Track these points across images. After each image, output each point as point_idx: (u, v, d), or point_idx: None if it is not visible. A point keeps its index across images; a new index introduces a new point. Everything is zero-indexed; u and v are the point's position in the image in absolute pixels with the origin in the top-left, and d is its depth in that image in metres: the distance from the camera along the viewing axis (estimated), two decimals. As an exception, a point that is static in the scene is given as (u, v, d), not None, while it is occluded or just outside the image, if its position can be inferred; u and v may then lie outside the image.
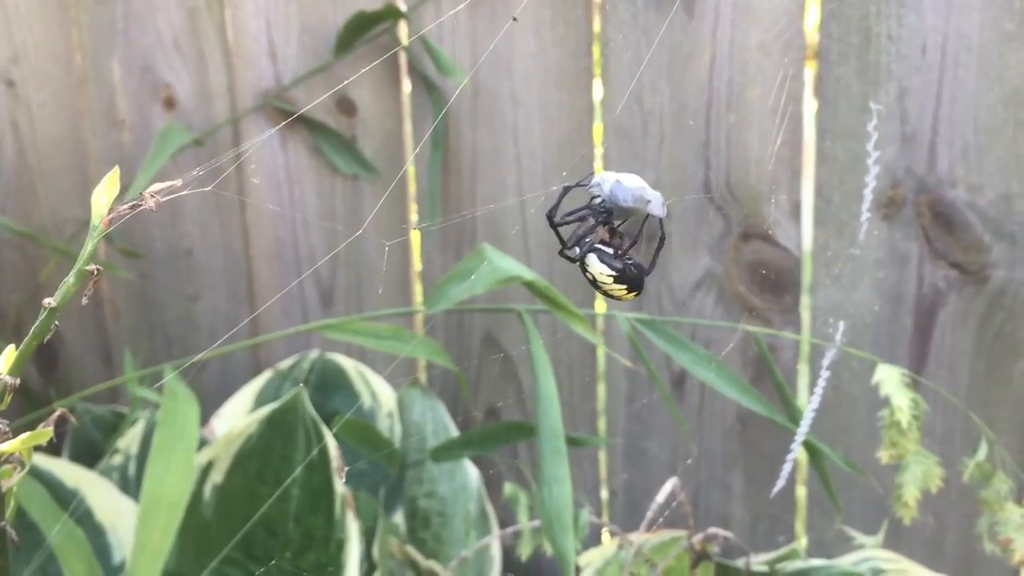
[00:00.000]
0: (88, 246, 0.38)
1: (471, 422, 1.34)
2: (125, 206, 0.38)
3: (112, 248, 1.39)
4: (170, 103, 1.36)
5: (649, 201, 0.53)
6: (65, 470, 1.11)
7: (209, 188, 0.41)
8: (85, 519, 1.08)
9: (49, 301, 0.38)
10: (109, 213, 0.37)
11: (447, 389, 1.35)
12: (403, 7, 1.25)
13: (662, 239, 0.57)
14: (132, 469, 1.20)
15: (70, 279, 0.38)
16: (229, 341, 1.39)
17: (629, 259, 0.55)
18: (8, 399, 0.40)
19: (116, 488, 1.12)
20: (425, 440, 1.18)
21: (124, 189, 1.38)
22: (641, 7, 1.15)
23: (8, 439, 0.41)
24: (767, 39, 1.12)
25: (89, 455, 1.26)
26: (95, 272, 0.38)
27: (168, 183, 0.37)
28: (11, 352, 0.40)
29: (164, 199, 0.37)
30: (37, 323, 0.38)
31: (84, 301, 0.38)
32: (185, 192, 0.38)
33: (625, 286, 0.55)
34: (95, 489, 1.10)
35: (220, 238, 1.39)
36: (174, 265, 1.42)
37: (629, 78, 1.18)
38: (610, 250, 0.55)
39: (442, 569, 1.05)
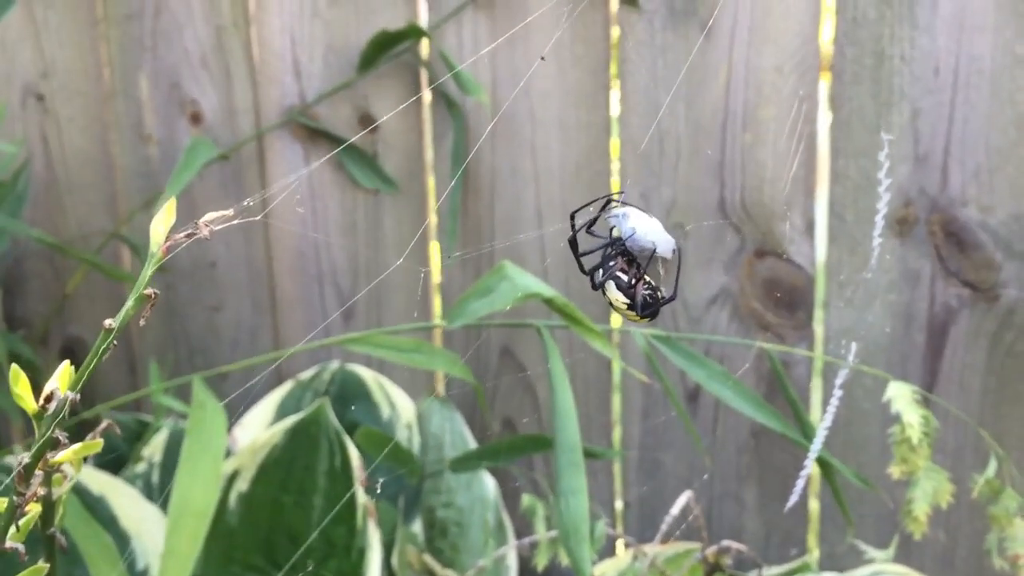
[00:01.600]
0: (147, 271, 0.41)
1: (488, 434, 1.36)
2: (181, 234, 0.41)
3: (138, 260, 1.42)
4: (196, 118, 1.39)
5: (654, 247, 0.56)
6: (91, 477, 1.14)
7: (259, 217, 0.43)
8: (110, 525, 1.10)
9: (110, 322, 0.41)
10: (166, 241, 0.40)
11: (465, 401, 1.37)
12: (424, 26, 1.27)
13: (678, 268, 0.60)
14: (156, 477, 1.22)
15: (129, 303, 0.40)
16: (252, 353, 1.41)
17: (646, 287, 0.58)
18: (65, 414, 0.43)
19: (140, 495, 1.14)
20: (443, 451, 1.20)
21: (151, 202, 1.41)
22: (658, 27, 1.18)
23: (65, 448, 0.43)
24: (782, 60, 1.14)
25: (113, 462, 1.29)
26: (152, 296, 0.40)
27: (221, 212, 0.40)
28: (66, 369, 0.43)
29: (218, 228, 0.39)
30: (98, 344, 0.41)
31: (142, 323, 0.41)
32: (236, 221, 0.40)
33: (646, 313, 0.59)
34: (120, 496, 1.13)
35: (244, 251, 1.42)
36: (198, 277, 1.44)
37: (646, 97, 1.20)
38: (626, 278, 0.58)
39: (459, 578, 1.07)
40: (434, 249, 1.39)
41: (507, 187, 1.29)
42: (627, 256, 0.58)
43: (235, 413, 1.24)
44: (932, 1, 1.08)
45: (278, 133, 1.36)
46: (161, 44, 1.38)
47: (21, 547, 0.45)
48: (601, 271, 0.58)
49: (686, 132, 1.19)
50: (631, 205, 0.58)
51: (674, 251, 0.57)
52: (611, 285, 0.58)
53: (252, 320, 1.44)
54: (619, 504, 1.36)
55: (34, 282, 1.50)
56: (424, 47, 1.30)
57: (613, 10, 1.20)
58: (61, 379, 0.43)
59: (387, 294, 1.38)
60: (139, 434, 1.33)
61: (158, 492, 1.20)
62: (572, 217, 0.58)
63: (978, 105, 1.09)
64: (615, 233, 0.58)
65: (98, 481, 1.13)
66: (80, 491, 1.11)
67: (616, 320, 1.26)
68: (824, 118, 1.16)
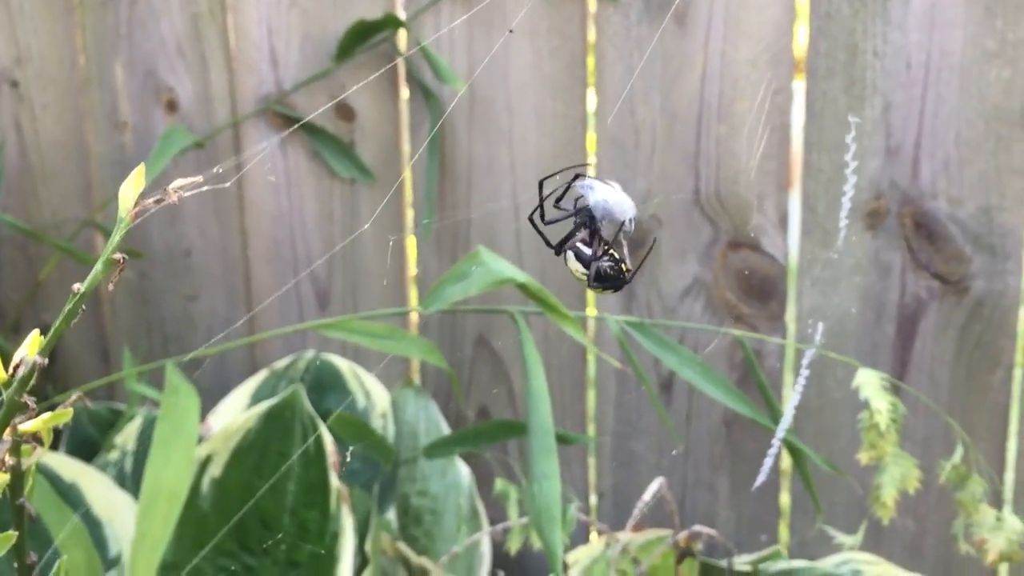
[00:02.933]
0: (116, 236, 0.41)
1: (463, 422, 1.36)
2: (151, 200, 0.41)
3: (112, 248, 1.41)
4: (172, 106, 1.38)
5: (622, 219, 0.57)
6: (64, 464, 1.13)
7: (228, 184, 0.43)
8: (83, 512, 1.10)
9: (78, 286, 0.41)
10: (135, 207, 0.40)
11: (439, 390, 1.37)
12: (402, 16, 1.27)
13: (651, 247, 0.61)
14: (128, 465, 1.22)
15: (98, 266, 0.40)
16: (227, 339, 1.41)
17: (608, 259, 0.58)
18: (32, 379, 0.43)
19: (113, 482, 1.14)
20: (418, 440, 1.20)
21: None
22: (634, 20, 1.18)
23: (34, 415, 0.43)
24: (757, 53, 1.15)
25: (85, 451, 1.28)
26: (121, 260, 0.40)
27: (191, 179, 0.40)
28: (36, 336, 0.43)
29: (187, 194, 0.40)
30: (67, 306, 0.41)
31: (110, 287, 0.41)
32: (205, 188, 0.40)
33: (599, 285, 0.59)
34: (93, 483, 1.12)
35: (219, 239, 1.42)
36: (173, 265, 1.44)
37: (622, 89, 1.21)
38: (588, 250, 0.59)
39: (433, 565, 1.08)
40: (411, 243, 1.39)
41: (484, 177, 1.29)
42: (590, 227, 0.59)
43: (209, 402, 1.24)
44: (904, -4, 1.10)
45: (254, 122, 1.36)
46: (137, 32, 1.37)
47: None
48: (565, 240, 0.59)
49: (661, 124, 1.20)
50: (597, 179, 0.59)
51: (631, 220, 0.58)
52: (571, 255, 0.59)
53: (227, 309, 1.44)
54: (593, 497, 1.37)
55: (7, 269, 1.49)
56: (402, 37, 1.30)
57: (589, 2, 1.21)
58: (31, 347, 0.43)
59: (363, 283, 1.38)
60: (112, 422, 1.32)
61: (131, 480, 1.20)
62: (540, 185, 0.59)
63: (948, 99, 1.10)
64: (581, 204, 0.59)
65: (70, 469, 1.13)
66: (52, 478, 1.10)
67: (591, 308, 1.26)
68: (797, 111, 1.17)
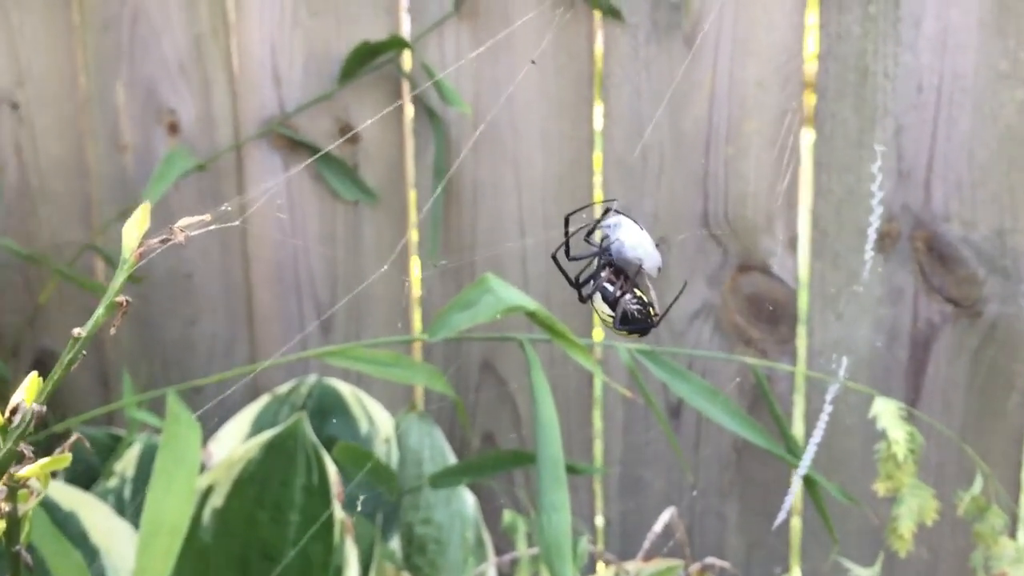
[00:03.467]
0: (119, 278, 0.39)
1: (467, 448, 1.34)
2: (155, 240, 0.39)
3: (112, 271, 1.39)
4: (174, 128, 1.37)
5: (640, 262, 0.55)
6: (61, 492, 1.11)
7: (237, 222, 0.42)
8: (80, 541, 1.08)
9: (79, 331, 0.39)
10: (140, 247, 0.38)
11: (443, 415, 1.35)
12: (407, 37, 1.26)
13: (680, 291, 0.59)
14: (127, 492, 1.20)
15: (100, 310, 0.39)
16: (228, 366, 1.39)
17: (635, 301, 0.56)
18: (30, 426, 0.41)
19: (112, 511, 1.12)
20: (422, 466, 1.18)
21: (126, 212, 1.39)
22: (642, 40, 1.17)
23: (30, 463, 0.41)
24: (765, 74, 1.14)
25: (84, 477, 1.26)
26: (124, 304, 0.38)
27: (198, 218, 0.38)
28: (34, 380, 0.41)
29: (195, 235, 0.38)
30: (67, 353, 0.39)
31: (112, 331, 0.39)
32: (213, 227, 0.39)
33: (625, 328, 0.57)
34: (91, 512, 1.10)
35: (220, 262, 1.40)
36: (173, 288, 1.42)
37: (629, 110, 1.20)
38: (612, 289, 0.57)
39: (438, 596, 1.06)
40: (414, 263, 1.37)
41: (489, 199, 1.28)
42: (615, 267, 0.56)
43: (210, 427, 1.22)
44: (916, 19, 1.08)
45: (257, 143, 1.34)
46: (138, 52, 1.36)
47: (-16, 566, 0.43)
48: (591, 282, 0.56)
49: (669, 145, 1.19)
50: (626, 215, 0.57)
51: (659, 269, 0.56)
52: (598, 297, 0.57)
53: (228, 333, 1.42)
54: (600, 520, 1.35)
55: (6, 293, 1.47)
56: (406, 58, 1.29)
57: (596, 23, 1.20)
58: (28, 391, 0.42)
59: (366, 307, 1.37)
60: (111, 448, 1.30)
61: (130, 507, 1.18)
62: (567, 221, 0.57)
63: (961, 121, 1.09)
64: (605, 243, 0.56)
65: (68, 497, 1.11)
66: (50, 507, 1.08)
67: (599, 334, 1.25)
68: (807, 133, 1.16)
